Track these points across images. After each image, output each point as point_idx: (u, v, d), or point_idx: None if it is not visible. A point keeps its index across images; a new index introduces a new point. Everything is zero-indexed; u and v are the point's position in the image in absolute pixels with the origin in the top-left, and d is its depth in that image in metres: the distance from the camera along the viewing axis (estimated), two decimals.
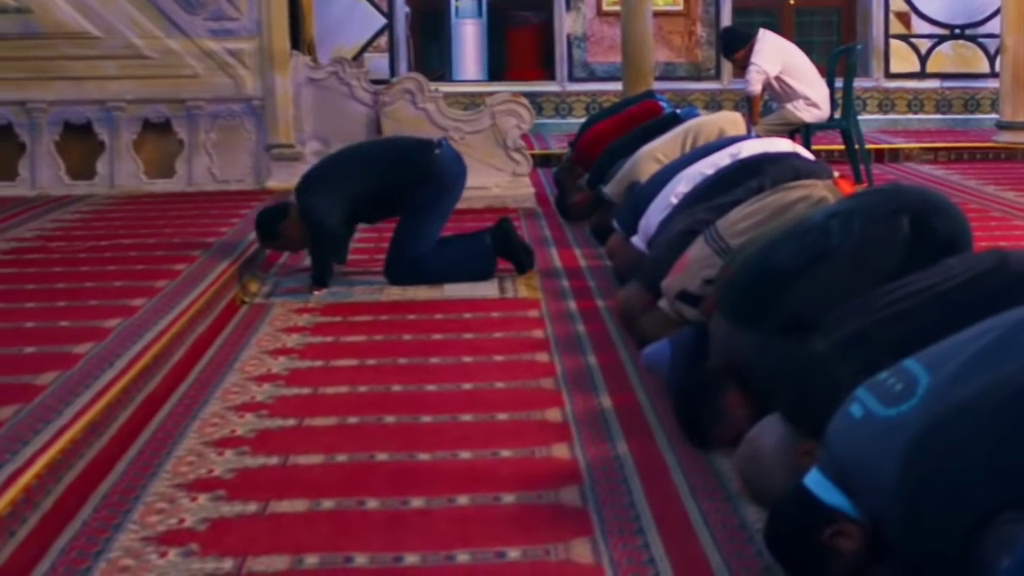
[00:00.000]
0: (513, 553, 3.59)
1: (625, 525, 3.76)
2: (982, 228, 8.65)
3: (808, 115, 10.76)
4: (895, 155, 13.56)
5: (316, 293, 7.11)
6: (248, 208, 9.33)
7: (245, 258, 7.45)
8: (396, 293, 7.14)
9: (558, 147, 14.15)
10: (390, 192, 7.46)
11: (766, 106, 11.61)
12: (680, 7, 15.94)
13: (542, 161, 13.42)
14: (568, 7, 15.93)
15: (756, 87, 10.82)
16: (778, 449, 3.70)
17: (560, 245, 8.71)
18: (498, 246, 7.54)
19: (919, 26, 15.80)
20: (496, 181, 10.43)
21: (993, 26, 15.25)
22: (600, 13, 15.91)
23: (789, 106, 10.80)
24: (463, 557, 3.57)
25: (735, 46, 11.21)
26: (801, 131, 10.75)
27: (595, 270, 7.74)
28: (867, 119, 14.97)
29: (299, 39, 11.38)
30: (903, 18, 15.80)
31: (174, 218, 9.01)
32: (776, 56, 10.86)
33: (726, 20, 15.58)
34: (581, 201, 9.14)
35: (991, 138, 13.74)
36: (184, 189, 10.51)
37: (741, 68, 11.29)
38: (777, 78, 10.80)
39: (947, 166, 12.96)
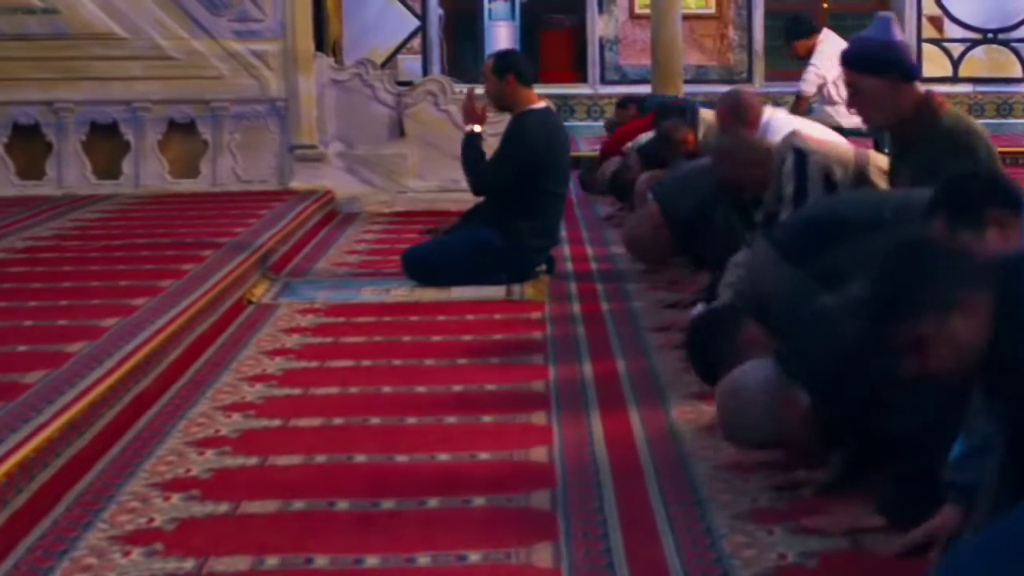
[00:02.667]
0: (474, 556, 3.59)
1: (590, 529, 3.75)
2: None
3: (846, 120, 10.66)
4: None
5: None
6: (268, 209, 9.40)
7: (256, 259, 7.48)
8: (402, 295, 7.15)
9: (588, 149, 14.15)
10: (515, 210, 7.39)
11: (808, 107, 11.56)
12: (712, 10, 15.95)
13: (571, 164, 13.42)
14: (600, 10, 15.96)
15: (811, 88, 10.72)
16: (762, 388, 3.72)
17: (574, 246, 8.73)
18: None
19: (951, 30, 15.74)
20: None
21: None
22: (632, 16, 15.95)
23: (829, 109, 10.71)
24: (424, 560, 3.57)
25: (799, 35, 11.04)
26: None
27: (604, 273, 7.75)
28: None
29: (323, 41, 11.44)
30: (935, 22, 15.74)
31: (193, 218, 9.08)
32: (837, 60, 10.73)
33: (758, 24, 15.57)
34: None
35: (1022, 143, 13.66)
36: (208, 189, 10.60)
37: (794, 58, 11.17)
38: (833, 83, 10.73)
39: None
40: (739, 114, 6.91)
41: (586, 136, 15.20)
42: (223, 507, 3.98)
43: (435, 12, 16.08)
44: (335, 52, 11.94)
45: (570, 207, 10.46)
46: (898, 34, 4.95)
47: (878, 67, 4.76)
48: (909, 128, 4.76)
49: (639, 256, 7.55)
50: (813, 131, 6.39)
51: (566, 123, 14.45)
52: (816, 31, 10.92)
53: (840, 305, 3.68)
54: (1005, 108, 15.69)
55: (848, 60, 4.92)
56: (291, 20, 10.60)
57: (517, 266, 7.38)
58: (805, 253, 4.26)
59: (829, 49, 10.79)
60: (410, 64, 15.79)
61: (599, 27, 15.91)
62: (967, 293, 2.89)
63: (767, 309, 4.28)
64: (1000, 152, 14.15)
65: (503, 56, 7.85)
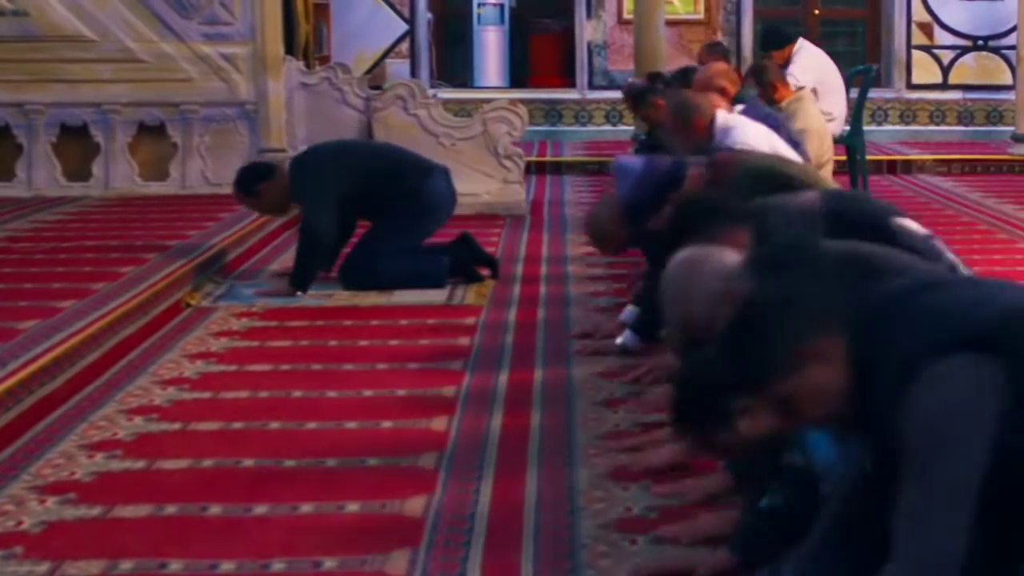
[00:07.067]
0: (330, 563, 3.55)
1: (454, 537, 3.71)
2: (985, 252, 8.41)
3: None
4: (907, 167, 13.39)
5: (299, 294, 7.10)
6: (230, 212, 9.36)
7: (200, 262, 7.45)
8: (344, 299, 7.11)
9: (571, 155, 14.13)
10: (373, 198, 7.40)
11: None
12: (700, 16, 15.87)
13: (553, 168, 13.41)
14: (589, 15, 15.91)
15: None
16: (718, 273, 3.50)
17: (530, 251, 8.70)
18: (456, 262, 7.48)
19: (941, 37, 15.65)
20: (487, 188, 10.38)
21: (1016, 37, 15.05)
22: (620, 21, 15.89)
23: None
24: (279, 566, 3.54)
25: (773, 46, 10.90)
26: None
27: (552, 278, 7.71)
28: (888, 130, 14.89)
29: (293, 44, 11.43)
30: (925, 29, 15.66)
31: (152, 220, 9.06)
32: (813, 69, 10.60)
33: (747, 29, 15.51)
34: None
35: (1006, 150, 13.56)
36: (177, 192, 10.58)
37: None
38: (812, 90, 10.62)
39: (958, 178, 12.75)
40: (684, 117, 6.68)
41: (573, 141, 15.16)
42: (95, 511, 3.96)
43: (423, 16, 16.04)
44: (306, 55, 11.91)
45: (539, 212, 10.47)
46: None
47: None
48: None
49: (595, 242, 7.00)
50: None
51: (554, 128, 14.54)
52: (792, 41, 10.81)
53: None
54: (995, 115, 15.57)
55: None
56: (260, 23, 10.57)
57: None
58: None
59: (805, 59, 10.68)
60: (398, 68, 15.76)
61: (587, 32, 15.87)
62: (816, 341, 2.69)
63: None
64: (981, 160, 14.08)
65: (240, 181, 7.50)
